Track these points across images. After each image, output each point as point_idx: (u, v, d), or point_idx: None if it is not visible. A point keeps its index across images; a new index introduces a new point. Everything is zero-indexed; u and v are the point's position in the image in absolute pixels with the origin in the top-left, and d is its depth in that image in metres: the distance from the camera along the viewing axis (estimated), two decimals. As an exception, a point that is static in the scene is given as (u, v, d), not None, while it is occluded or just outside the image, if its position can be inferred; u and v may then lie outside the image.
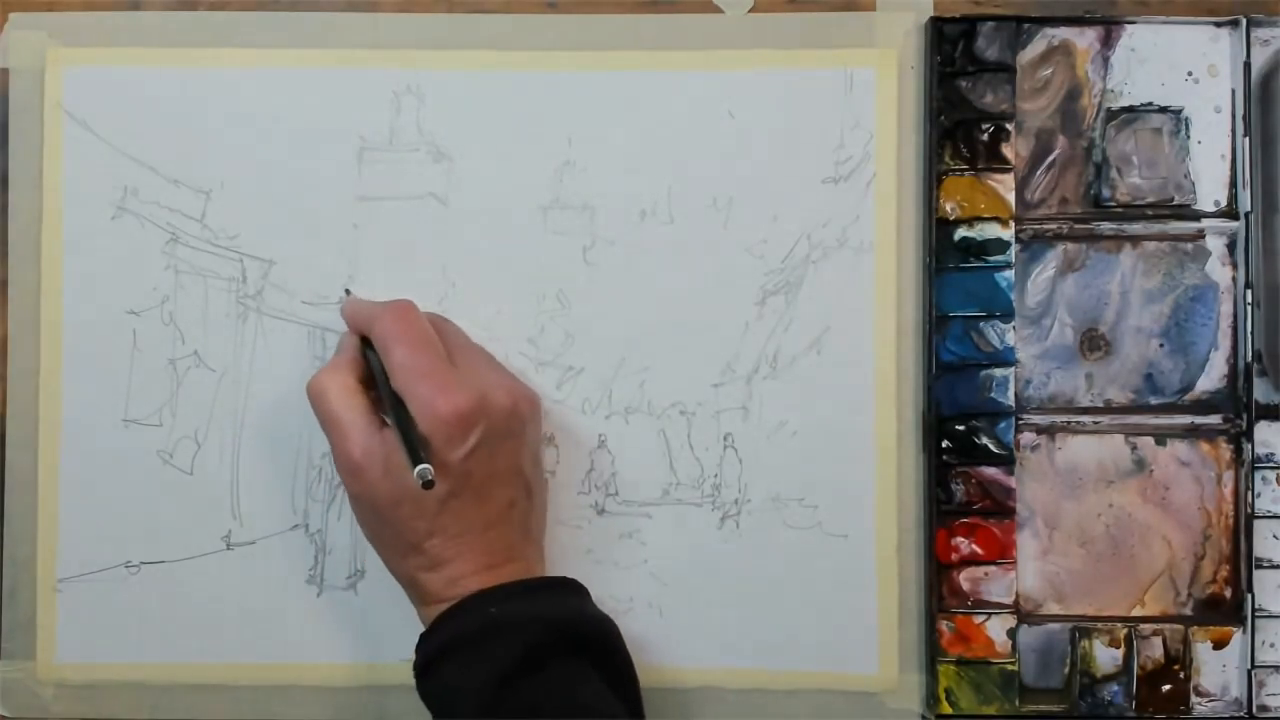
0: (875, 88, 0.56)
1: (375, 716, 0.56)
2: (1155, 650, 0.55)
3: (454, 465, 0.49)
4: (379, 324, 0.51)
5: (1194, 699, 0.55)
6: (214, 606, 0.56)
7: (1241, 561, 0.56)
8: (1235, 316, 0.56)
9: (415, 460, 0.47)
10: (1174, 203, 0.56)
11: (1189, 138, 0.56)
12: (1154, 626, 0.56)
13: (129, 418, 0.56)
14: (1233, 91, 0.56)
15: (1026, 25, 0.56)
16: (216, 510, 0.56)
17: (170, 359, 0.56)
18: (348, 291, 0.56)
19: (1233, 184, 0.56)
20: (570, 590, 0.52)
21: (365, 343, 0.52)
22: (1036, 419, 0.56)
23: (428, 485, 0.47)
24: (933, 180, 0.56)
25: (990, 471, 0.55)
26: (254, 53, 0.56)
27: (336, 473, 0.51)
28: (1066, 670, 0.56)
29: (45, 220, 0.56)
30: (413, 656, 0.50)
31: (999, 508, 0.55)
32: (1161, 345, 0.56)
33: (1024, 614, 0.56)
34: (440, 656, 0.49)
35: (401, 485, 0.49)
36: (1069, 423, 0.56)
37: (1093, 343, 0.56)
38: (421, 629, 0.51)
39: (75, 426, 0.56)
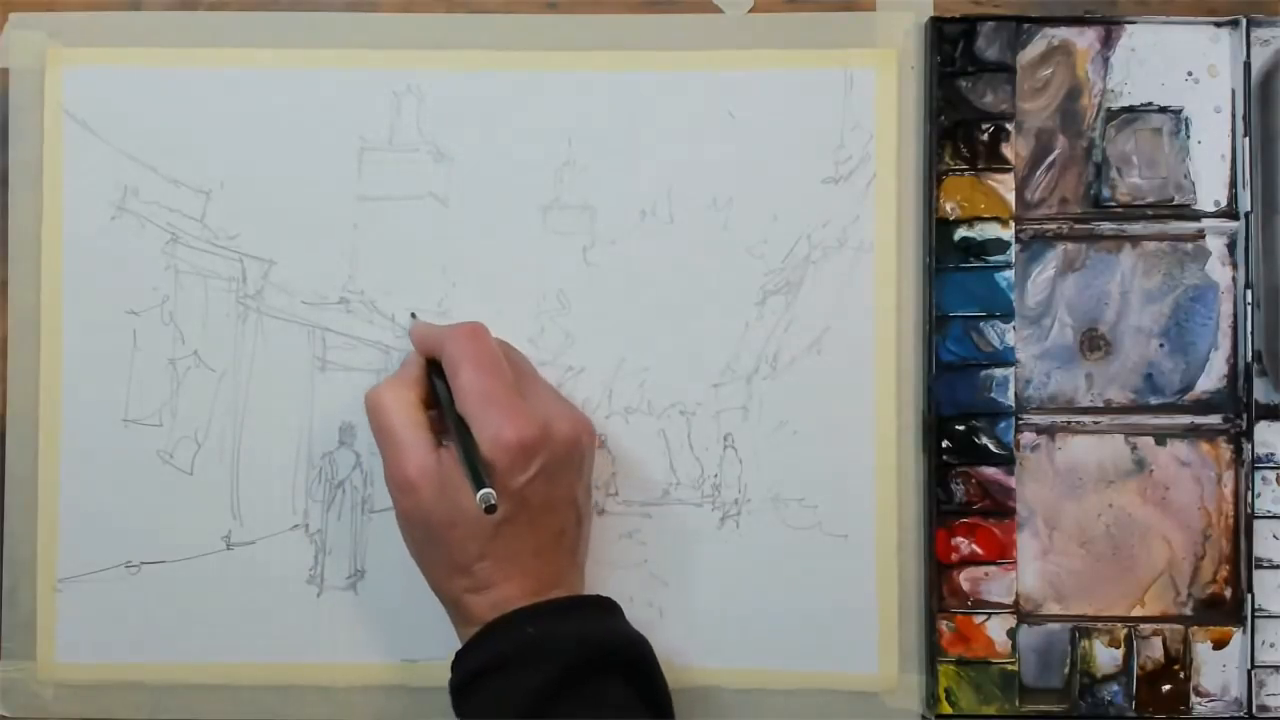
0: (875, 88, 0.56)
1: (375, 716, 0.56)
2: (1155, 650, 0.55)
3: (513, 491, 0.49)
4: (450, 344, 0.51)
5: (1194, 699, 0.55)
6: (214, 606, 0.56)
7: (1241, 561, 0.56)
8: (1235, 316, 0.56)
9: (479, 484, 0.47)
10: (1174, 203, 0.56)
11: (1189, 138, 0.56)
12: (1154, 626, 0.56)
13: (129, 418, 0.56)
14: (1233, 91, 0.56)
15: (1026, 25, 0.56)
16: (216, 510, 0.56)
17: (170, 359, 0.56)
18: (414, 315, 0.56)
19: (1233, 184, 0.56)
20: (605, 609, 0.52)
21: (431, 366, 0.52)
22: (1036, 419, 0.56)
23: (490, 510, 0.47)
24: (933, 180, 0.56)
25: (990, 471, 0.55)
26: (254, 53, 0.56)
27: (386, 487, 0.51)
28: (1066, 670, 0.56)
29: (45, 220, 0.56)
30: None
31: (999, 508, 0.55)
32: (1161, 345, 0.56)
33: (1024, 614, 0.56)
34: (478, 676, 0.49)
35: (457, 507, 0.49)
36: (1069, 423, 0.56)
37: (1093, 343, 0.56)
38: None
39: (75, 426, 0.56)
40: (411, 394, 0.51)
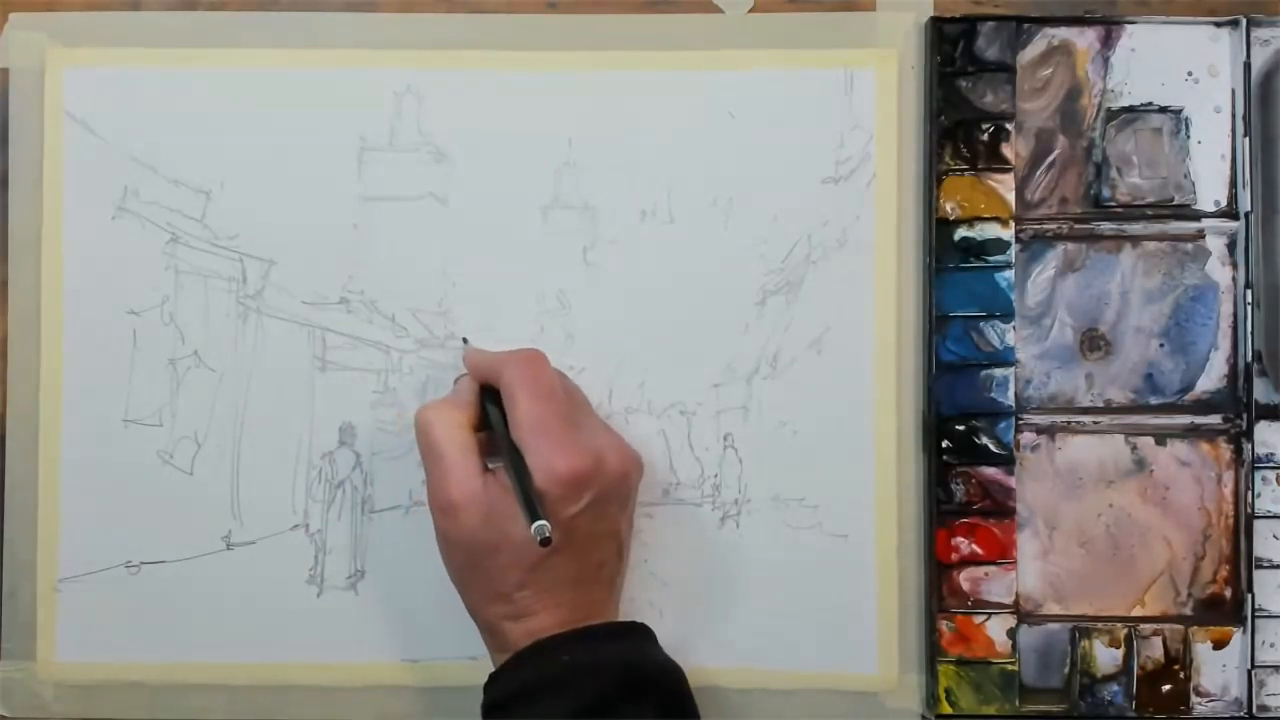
0: (875, 88, 0.56)
1: (375, 716, 0.56)
2: (1155, 650, 0.55)
3: (561, 522, 0.48)
4: (508, 370, 0.51)
5: (1194, 699, 0.55)
6: (214, 606, 0.56)
7: (1241, 561, 0.56)
8: (1235, 316, 0.56)
9: (534, 516, 0.47)
10: (1174, 203, 0.56)
11: (1189, 138, 0.56)
12: (1154, 626, 0.56)
13: (129, 418, 0.56)
14: (1233, 91, 0.56)
15: (1026, 25, 0.56)
16: (216, 510, 0.56)
17: (170, 359, 0.56)
18: (465, 340, 0.55)
19: (1233, 184, 0.56)
20: (640, 635, 0.52)
21: (485, 392, 0.52)
22: (1036, 419, 0.56)
23: (544, 543, 0.47)
24: (933, 180, 0.56)
25: (990, 471, 0.55)
26: (254, 53, 0.56)
27: (429, 508, 0.51)
28: (1066, 670, 0.56)
29: (45, 220, 0.56)
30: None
31: (999, 508, 0.55)
32: (1161, 345, 0.56)
33: (1024, 614, 0.56)
34: (510, 702, 0.49)
35: (501, 533, 0.49)
36: (1069, 423, 0.56)
37: (1093, 343, 0.56)
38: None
39: (75, 426, 0.56)
40: (462, 416, 0.51)
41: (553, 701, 0.48)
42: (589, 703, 0.48)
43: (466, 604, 0.52)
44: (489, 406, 0.52)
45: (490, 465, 0.50)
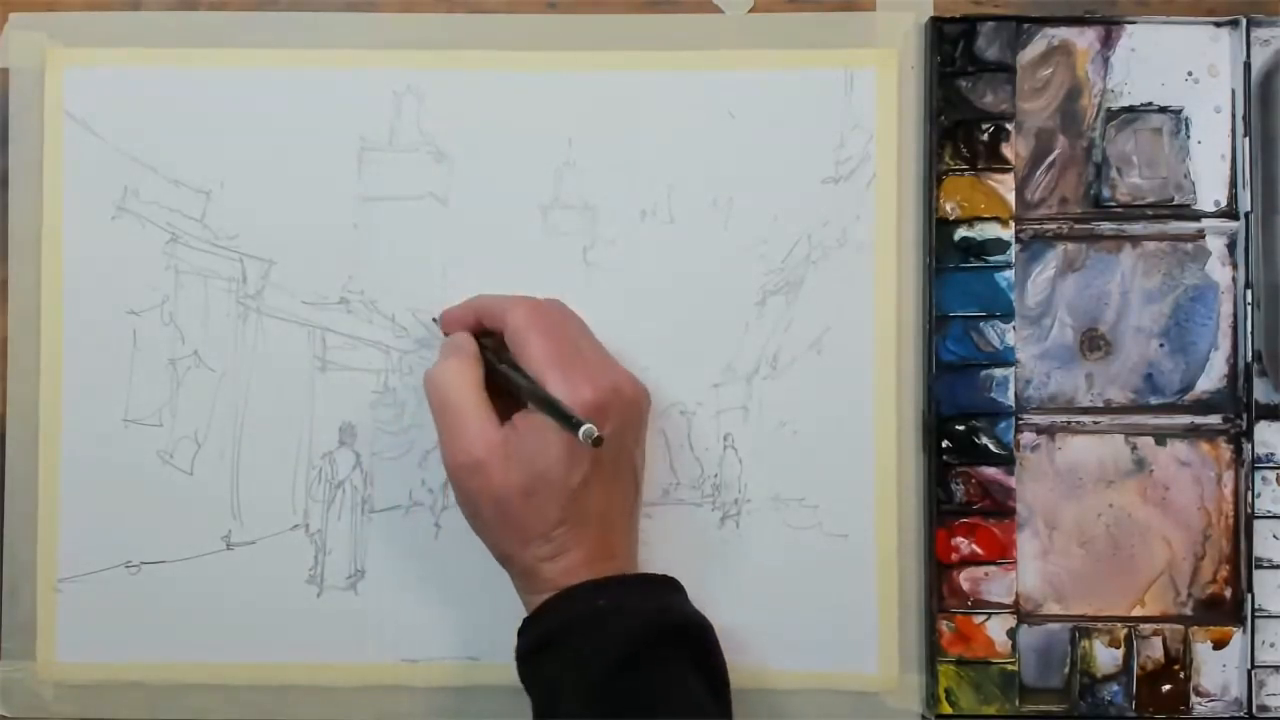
0: (875, 88, 0.56)
1: (375, 716, 0.56)
2: (1155, 650, 0.55)
3: (590, 453, 0.49)
4: (515, 313, 0.51)
5: (1194, 699, 0.55)
6: (214, 606, 0.56)
7: (1241, 561, 0.56)
8: (1235, 316, 0.56)
9: (576, 423, 0.48)
10: (1174, 203, 0.56)
11: (1189, 138, 0.56)
12: (1154, 626, 0.56)
13: (129, 418, 0.56)
14: (1233, 91, 0.56)
15: (1026, 25, 0.56)
16: (216, 510, 0.56)
17: (170, 359, 0.56)
18: (436, 319, 0.55)
19: (1233, 184, 0.56)
20: (673, 588, 0.52)
21: (480, 339, 0.53)
22: (1036, 419, 0.56)
23: (597, 442, 0.47)
24: (933, 180, 0.56)
25: (990, 471, 0.55)
26: (254, 53, 0.56)
27: (444, 468, 0.51)
28: (1066, 670, 0.56)
29: (45, 220, 0.56)
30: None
31: (999, 508, 0.55)
32: (1161, 345, 0.56)
33: (1024, 614, 0.56)
34: (546, 645, 0.49)
35: (533, 474, 0.49)
36: (1069, 423, 0.56)
37: (1093, 343, 0.56)
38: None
39: (75, 426, 0.56)
40: (469, 371, 0.51)
41: (586, 644, 0.48)
42: (622, 647, 0.48)
43: (498, 553, 0.52)
44: (486, 351, 0.52)
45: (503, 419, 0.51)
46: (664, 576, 0.52)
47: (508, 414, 0.50)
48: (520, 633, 0.50)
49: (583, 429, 0.47)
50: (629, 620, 0.49)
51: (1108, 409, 0.56)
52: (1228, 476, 0.56)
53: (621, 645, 0.48)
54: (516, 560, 0.51)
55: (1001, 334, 0.56)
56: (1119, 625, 0.56)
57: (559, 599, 0.49)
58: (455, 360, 0.51)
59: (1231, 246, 0.56)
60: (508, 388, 0.51)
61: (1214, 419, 0.56)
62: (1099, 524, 0.56)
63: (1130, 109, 0.56)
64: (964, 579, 0.55)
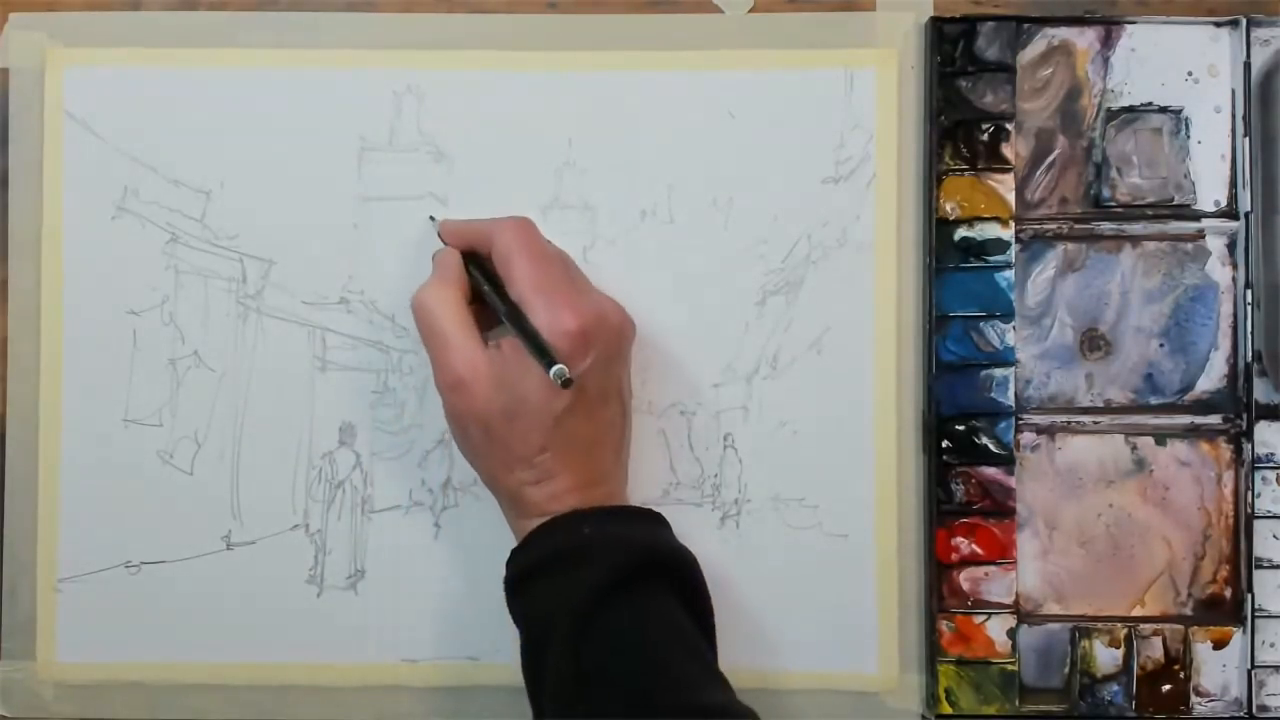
0: (875, 88, 0.56)
1: (375, 716, 0.56)
2: (1155, 650, 0.55)
3: (574, 380, 0.49)
4: (502, 236, 0.51)
5: (1194, 699, 0.55)
6: (214, 606, 0.56)
7: (1241, 561, 0.56)
8: (1235, 316, 0.56)
9: (550, 361, 0.48)
10: (1174, 203, 0.56)
11: (1189, 138, 0.56)
12: (1154, 626, 0.56)
13: (129, 418, 0.56)
14: (1233, 91, 0.56)
15: (1026, 25, 0.56)
16: (216, 510, 0.56)
17: (170, 359, 0.56)
18: (433, 218, 0.55)
19: (1233, 184, 0.56)
20: (658, 521, 0.52)
21: (469, 261, 0.53)
22: (1036, 419, 0.56)
23: (566, 384, 0.48)
24: (933, 180, 0.56)
25: (990, 471, 0.55)
26: (254, 53, 0.56)
27: (438, 390, 0.51)
28: (1066, 670, 0.56)
29: (45, 220, 0.56)
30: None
31: (999, 508, 0.55)
32: (1161, 345, 0.56)
33: (1024, 614, 0.56)
34: (532, 574, 0.50)
35: (516, 398, 0.49)
36: (1069, 423, 0.56)
37: (1093, 343, 0.56)
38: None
39: (75, 426, 0.56)
40: (455, 292, 0.51)
41: (571, 572, 0.48)
42: (607, 575, 0.48)
43: (485, 477, 0.52)
44: (475, 273, 0.52)
45: (492, 339, 0.51)
46: (651, 511, 0.52)
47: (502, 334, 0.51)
48: (508, 564, 0.51)
49: (553, 369, 0.48)
50: (615, 550, 0.49)
51: (1108, 409, 0.56)
52: (1228, 476, 0.56)
53: (608, 574, 0.48)
54: (502, 484, 0.51)
55: (1001, 334, 0.56)
56: (1119, 625, 0.56)
57: (545, 530, 0.50)
58: (438, 283, 0.52)
59: (1231, 246, 0.56)
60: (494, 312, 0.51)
61: (1214, 419, 0.56)
62: (1099, 524, 0.56)
63: (1130, 109, 0.56)
64: (964, 579, 0.55)
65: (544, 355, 0.49)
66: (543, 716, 0.49)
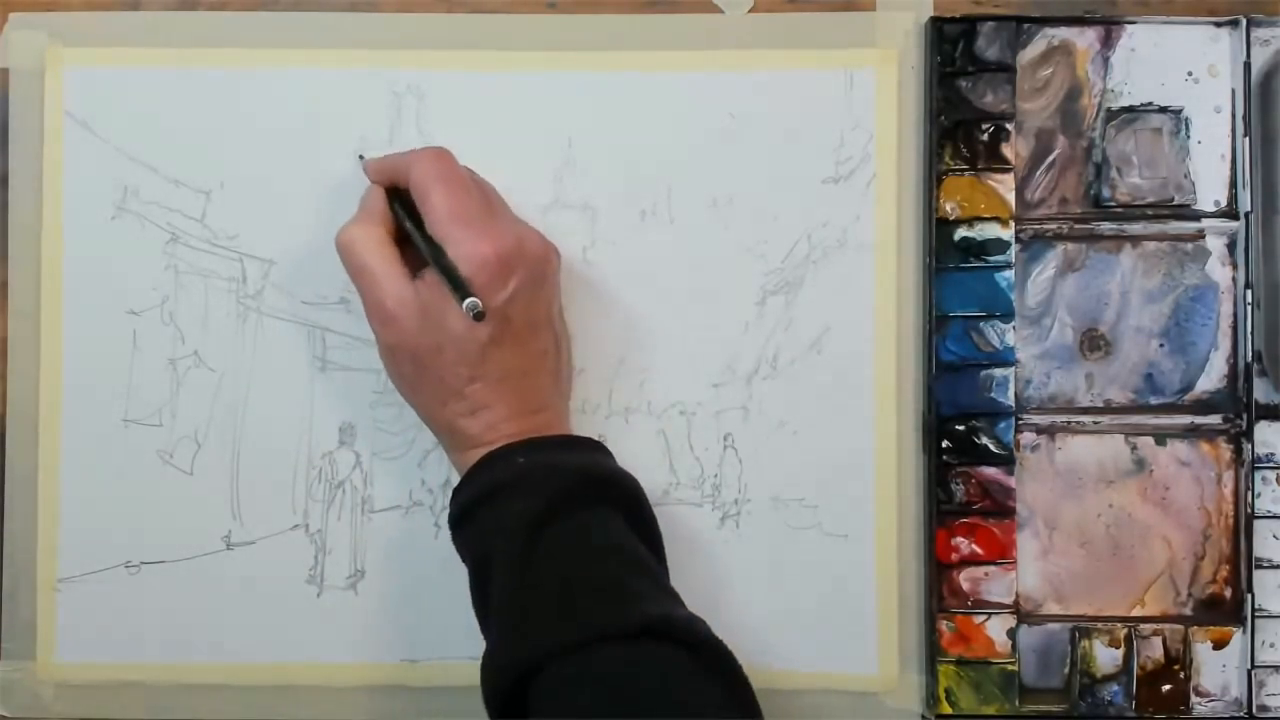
0: (875, 88, 0.56)
1: (375, 716, 0.56)
2: (1155, 650, 0.55)
3: (496, 310, 0.49)
4: (417, 167, 0.51)
5: (1194, 699, 0.55)
6: (214, 606, 0.56)
7: (1241, 561, 0.56)
8: (1235, 316, 0.56)
9: (464, 294, 0.48)
10: (1174, 203, 0.56)
11: (1189, 138, 0.56)
12: (1154, 626, 0.56)
13: (129, 418, 0.56)
14: (1233, 91, 0.56)
15: (1026, 25, 0.56)
16: (216, 510, 0.56)
17: (170, 359, 0.56)
18: (362, 157, 0.55)
19: (1233, 184, 0.56)
20: (597, 449, 0.52)
21: (392, 196, 0.53)
22: (1036, 419, 0.56)
23: (478, 317, 0.48)
24: (933, 180, 0.56)
25: (990, 471, 0.55)
26: (254, 53, 0.56)
27: (370, 326, 0.51)
28: (1066, 670, 0.56)
29: (45, 220, 0.56)
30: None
31: (999, 508, 0.55)
32: (1161, 345, 0.56)
33: (1024, 614, 0.56)
34: (473, 508, 0.50)
35: (443, 330, 0.50)
36: (1069, 423, 0.56)
37: (1093, 343, 0.56)
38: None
39: (75, 426, 0.56)
40: (379, 229, 0.51)
41: (509, 502, 0.49)
42: (549, 500, 0.48)
43: (421, 412, 0.52)
44: (398, 208, 0.52)
45: (419, 273, 0.51)
46: (590, 439, 0.53)
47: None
48: (451, 502, 0.51)
49: (466, 302, 0.48)
50: (553, 475, 0.49)
51: (1108, 409, 0.56)
52: (1228, 476, 0.56)
53: (547, 498, 0.48)
54: (438, 417, 0.51)
55: (1001, 334, 0.56)
56: (1119, 625, 0.56)
57: (482, 464, 0.50)
58: (362, 220, 0.52)
59: (1231, 246, 0.56)
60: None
61: (1214, 419, 0.56)
62: (1099, 524, 0.56)
63: (1130, 109, 0.56)
64: (964, 579, 0.55)
65: (458, 288, 0.49)
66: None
